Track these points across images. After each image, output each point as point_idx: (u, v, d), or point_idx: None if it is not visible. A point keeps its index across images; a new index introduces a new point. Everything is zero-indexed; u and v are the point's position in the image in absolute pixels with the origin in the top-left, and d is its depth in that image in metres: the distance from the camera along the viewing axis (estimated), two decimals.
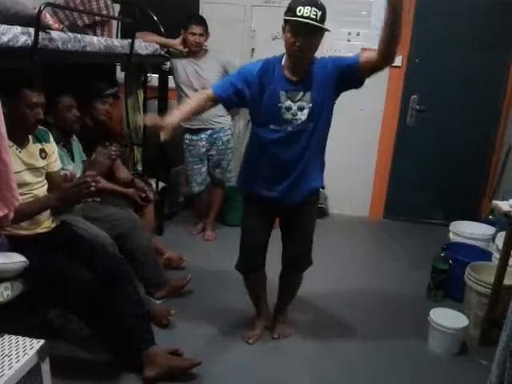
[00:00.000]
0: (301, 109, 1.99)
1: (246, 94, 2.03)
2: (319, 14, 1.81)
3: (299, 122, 2.00)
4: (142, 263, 2.56)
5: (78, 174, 2.48)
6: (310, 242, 2.29)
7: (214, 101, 2.08)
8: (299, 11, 1.80)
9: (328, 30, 1.86)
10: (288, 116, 2.00)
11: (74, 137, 2.62)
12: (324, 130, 2.09)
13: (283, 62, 2.00)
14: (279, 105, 1.99)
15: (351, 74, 1.94)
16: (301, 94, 1.98)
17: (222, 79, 2.16)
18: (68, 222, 2.32)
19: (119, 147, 2.57)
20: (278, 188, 2.12)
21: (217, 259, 3.31)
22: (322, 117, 2.02)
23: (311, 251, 2.31)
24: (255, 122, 2.13)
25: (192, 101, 2.15)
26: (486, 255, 2.89)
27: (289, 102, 1.99)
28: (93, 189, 1.92)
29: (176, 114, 2.01)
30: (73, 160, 2.56)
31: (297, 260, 2.33)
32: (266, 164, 2.11)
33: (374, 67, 1.91)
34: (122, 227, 2.53)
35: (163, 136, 1.90)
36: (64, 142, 2.50)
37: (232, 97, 2.05)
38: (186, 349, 2.16)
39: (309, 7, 1.79)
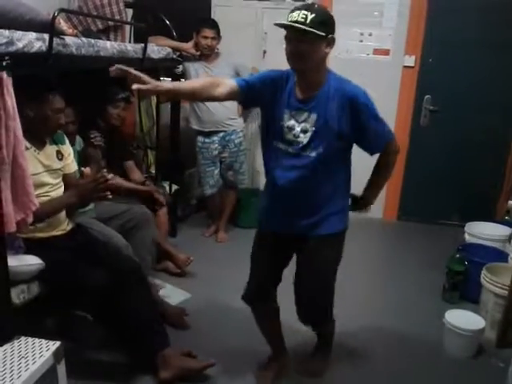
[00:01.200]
0: (304, 131, 1.76)
1: (265, 95, 1.82)
2: (310, 17, 1.62)
3: (300, 145, 1.77)
4: (143, 259, 2.56)
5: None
6: (323, 290, 1.99)
7: (234, 92, 1.80)
8: (290, 17, 1.66)
9: (318, 34, 1.63)
10: (290, 136, 1.79)
11: (78, 137, 2.67)
12: (333, 166, 1.82)
13: (295, 79, 1.80)
14: (281, 123, 1.79)
15: (360, 142, 1.82)
16: (306, 114, 1.75)
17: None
18: (83, 224, 2.34)
19: (96, 133, 2.56)
20: (277, 216, 1.93)
21: (229, 261, 3.32)
22: (326, 146, 1.75)
23: (328, 304, 2.05)
24: (263, 136, 1.92)
25: (198, 80, 2.00)
26: (502, 256, 2.85)
27: (292, 122, 1.78)
28: (109, 183, 1.98)
29: (165, 84, 1.85)
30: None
31: (308, 312, 2.05)
32: (269, 188, 1.94)
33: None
34: (134, 221, 2.59)
35: (135, 86, 1.64)
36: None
37: (254, 92, 1.82)
38: (199, 350, 2.16)
39: (299, 11, 1.64)
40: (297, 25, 1.63)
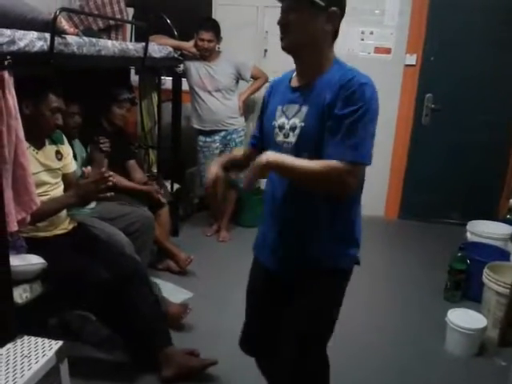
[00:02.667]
0: (293, 129, 1.38)
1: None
2: None
3: (290, 146, 1.38)
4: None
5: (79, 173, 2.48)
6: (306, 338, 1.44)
7: (254, 152, 1.56)
8: None
9: (314, 1, 1.29)
10: (280, 138, 1.42)
11: (77, 141, 2.68)
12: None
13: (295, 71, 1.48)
14: (273, 123, 1.44)
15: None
16: (297, 107, 1.38)
17: None
18: (85, 223, 2.35)
19: (105, 138, 2.55)
20: (266, 245, 1.53)
21: (231, 260, 3.32)
22: (316, 148, 1.32)
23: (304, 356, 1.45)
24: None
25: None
26: (504, 255, 2.85)
27: (282, 119, 1.41)
28: (110, 183, 1.97)
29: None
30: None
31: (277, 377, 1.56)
32: (264, 211, 1.56)
33: None
34: (137, 224, 2.60)
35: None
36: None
37: (258, 137, 1.59)
38: (201, 349, 2.16)
39: None
40: None
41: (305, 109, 1.37)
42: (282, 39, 1.38)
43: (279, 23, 1.38)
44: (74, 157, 2.57)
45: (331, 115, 1.29)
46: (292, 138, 1.38)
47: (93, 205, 2.53)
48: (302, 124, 1.36)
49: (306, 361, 1.45)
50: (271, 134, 1.45)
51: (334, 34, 1.39)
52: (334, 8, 1.33)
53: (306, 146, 1.36)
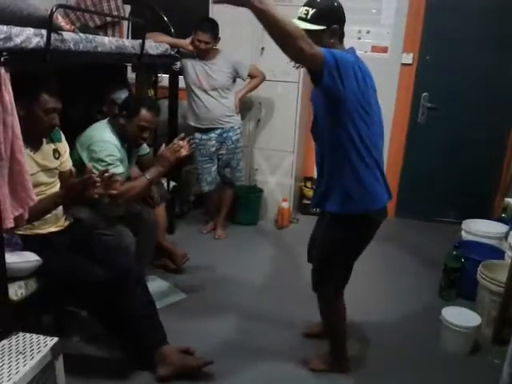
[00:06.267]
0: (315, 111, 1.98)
1: None
2: (311, 12, 1.78)
3: (313, 118, 1.98)
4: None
5: (125, 173, 2.52)
6: (319, 262, 2.07)
7: None
8: (298, 12, 1.82)
9: (314, 30, 1.74)
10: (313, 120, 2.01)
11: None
12: (327, 136, 1.87)
13: None
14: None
15: None
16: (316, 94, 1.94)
17: None
18: (88, 218, 2.37)
19: (188, 142, 2.54)
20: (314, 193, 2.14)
21: (227, 258, 3.33)
22: (321, 121, 1.90)
23: (319, 277, 2.06)
24: None
25: None
26: (498, 254, 2.87)
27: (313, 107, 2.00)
28: (97, 185, 1.93)
29: None
30: (129, 161, 2.61)
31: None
32: None
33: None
34: (142, 227, 2.63)
35: None
36: (128, 145, 2.55)
37: None
38: (196, 348, 2.16)
39: (303, 7, 1.81)
40: (298, 22, 1.76)
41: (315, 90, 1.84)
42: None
43: None
44: (129, 157, 2.59)
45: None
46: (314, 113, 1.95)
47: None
48: (313, 101, 1.92)
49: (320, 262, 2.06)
50: None
51: (340, 37, 1.86)
52: (334, 26, 1.80)
53: (316, 117, 1.93)
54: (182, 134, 2.54)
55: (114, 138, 2.46)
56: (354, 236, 1.97)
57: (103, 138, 2.42)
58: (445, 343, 2.42)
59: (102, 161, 2.35)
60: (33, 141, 2.00)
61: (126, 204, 2.46)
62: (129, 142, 2.53)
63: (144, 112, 2.43)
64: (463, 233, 3.28)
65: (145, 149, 2.79)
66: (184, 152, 2.48)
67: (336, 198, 1.89)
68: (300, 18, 1.79)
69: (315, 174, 2.19)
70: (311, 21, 1.77)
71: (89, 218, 2.41)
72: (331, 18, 1.81)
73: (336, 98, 1.72)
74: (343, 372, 2.18)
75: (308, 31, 1.69)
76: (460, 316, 2.41)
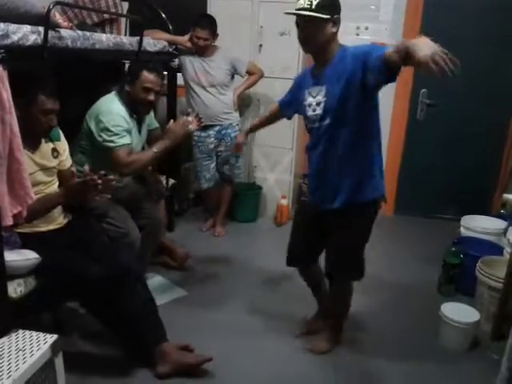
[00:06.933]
0: (318, 104, 1.97)
1: (296, 97, 2.13)
2: (315, 2, 1.81)
3: (318, 117, 1.98)
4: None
5: (139, 146, 2.59)
6: (344, 254, 2.14)
7: (279, 111, 2.38)
8: (297, 4, 1.85)
9: (321, 18, 1.82)
10: (310, 113, 2.02)
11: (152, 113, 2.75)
12: (351, 130, 1.94)
13: None
14: (304, 103, 2.04)
15: (374, 67, 1.72)
16: (319, 88, 1.97)
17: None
18: (100, 205, 2.39)
19: (199, 119, 2.58)
20: (315, 192, 2.15)
21: (226, 255, 3.33)
22: (341, 113, 1.91)
23: (347, 264, 2.16)
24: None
25: (269, 112, 2.51)
26: (497, 249, 2.87)
27: (310, 99, 2.01)
28: (100, 187, 1.93)
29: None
30: (139, 132, 2.63)
31: (328, 267, 2.21)
32: (310, 166, 2.16)
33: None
34: (149, 226, 2.65)
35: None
36: (138, 115, 2.58)
37: (288, 103, 2.26)
38: (196, 346, 2.16)
39: None
40: (302, 12, 1.83)
41: (324, 88, 1.94)
42: (305, 47, 1.95)
43: (300, 38, 1.92)
44: (139, 129, 2.62)
45: (365, 68, 1.77)
46: (319, 111, 1.97)
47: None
48: (325, 98, 1.94)
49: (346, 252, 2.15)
50: (304, 111, 2.06)
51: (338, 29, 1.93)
52: (336, 15, 1.87)
53: (329, 113, 1.93)
54: (190, 110, 2.57)
55: (122, 109, 2.47)
56: (371, 221, 2.16)
57: (110, 108, 2.44)
58: (444, 339, 2.42)
59: (109, 130, 2.38)
60: (31, 140, 1.99)
61: (132, 175, 2.56)
62: (137, 110, 2.55)
63: (146, 73, 2.45)
64: (462, 229, 3.28)
65: (154, 123, 2.82)
66: (193, 127, 2.54)
67: (348, 191, 2.02)
68: (302, 9, 1.83)
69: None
70: (316, 10, 1.81)
71: (101, 206, 2.41)
72: (334, 7, 1.87)
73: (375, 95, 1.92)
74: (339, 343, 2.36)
75: (312, 20, 1.82)
76: (459, 312, 2.41)
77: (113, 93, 2.55)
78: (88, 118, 2.46)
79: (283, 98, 2.32)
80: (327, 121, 1.95)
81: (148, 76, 2.46)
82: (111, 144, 2.39)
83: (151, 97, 2.49)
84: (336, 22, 1.88)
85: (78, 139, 2.53)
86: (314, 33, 1.86)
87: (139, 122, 2.61)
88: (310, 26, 1.85)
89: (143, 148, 2.67)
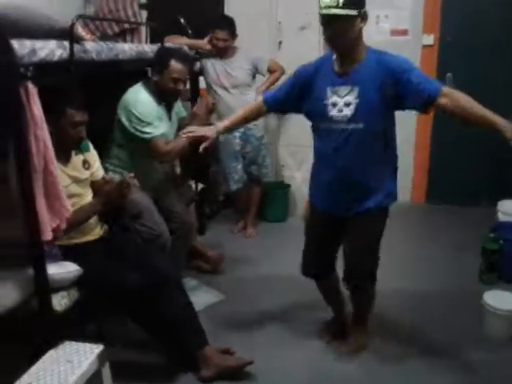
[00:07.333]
0: (347, 104, 1.88)
1: (294, 95, 2.03)
2: None
3: (345, 119, 1.88)
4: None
5: (171, 133, 2.62)
6: (362, 254, 2.10)
7: (264, 107, 2.16)
8: (322, 3, 1.75)
9: (350, 15, 1.74)
10: (334, 113, 1.90)
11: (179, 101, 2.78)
12: (378, 135, 1.92)
13: (334, 57, 1.93)
14: (324, 102, 1.91)
15: (418, 99, 1.83)
16: (348, 88, 1.87)
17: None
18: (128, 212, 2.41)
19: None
20: (335, 199, 2.04)
21: (258, 257, 3.32)
22: (372, 117, 1.87)
23: (367, 265, 2.13)
24: (312, 127, 2.08)
25: (241, 110, 2.25)
26: None
27: (335, 98, 1.89)
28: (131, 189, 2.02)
29: (221, 123, 2.22)
30: (170, 119, 2.66)
31: (348, 270, 2.14)
32: (323, 171, 2.06)
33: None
34: (179, 231, 2.65)
35: (203, 145, 2.13)
36: (166, 103, 2.61)
37: (284, 101, 2.08)
38: (237, 349, 2.16)
39: None
40: (330, 11, 1.73)
41: (356, 89, 1.85)
42: (335, 46, 1.86)
43: (329, 38, 1.82)
44: (170, 116, 2.65)
45: (402, 84, 1.81)
46: (348, 112, 1.87)
47: None
48: (357, 101, 1.85)
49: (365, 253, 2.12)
50: (323, 111, 1.92)
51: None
52: (363, 9, 1.79)
53: (361, 116, 1.86)
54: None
55: (150, 98, 2.50)
56: (385, 222, 2.12)
57: (138, 98, 2.47)
58: (488, 328, 2.36)
59: (142, 121, 2.42)
60: (62, 154, 2.01)
61: (172, 160, 2.73)
62: (166, 98, 2.57)
63: (174, 63, 2.46)
64: (500, 214, 3.19)
65: (182, 111, 2.84)
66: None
67: (378, 194, 1.99)
68: (330, 7, 1.72)
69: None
70: (344, 7, 1.71)
71: (135, 207, 2.43)
72: (359, 2, 1.79)
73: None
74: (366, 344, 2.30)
75: (342, 18, 1.73)
76: (502, 300, 2.35)
77: (139, 83, 2.56)
78: (119, 112, 2.49)
79: (275, 94, 2.15)
80: (360, 125, 1.87)
81: (176, 66, 2.47)
82: (148, 136, 2.43)
83: (180, 86, 2.52)
84: (363, 17, 1.80)
85: (111, 139, 2.57)
86: (344, 31, 1.78)
87: (168, 110, 2.64)
88: (340, 25, 1.76)
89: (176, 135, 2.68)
